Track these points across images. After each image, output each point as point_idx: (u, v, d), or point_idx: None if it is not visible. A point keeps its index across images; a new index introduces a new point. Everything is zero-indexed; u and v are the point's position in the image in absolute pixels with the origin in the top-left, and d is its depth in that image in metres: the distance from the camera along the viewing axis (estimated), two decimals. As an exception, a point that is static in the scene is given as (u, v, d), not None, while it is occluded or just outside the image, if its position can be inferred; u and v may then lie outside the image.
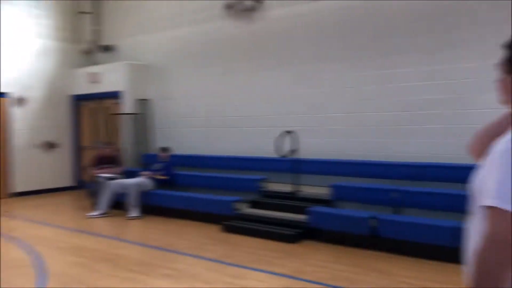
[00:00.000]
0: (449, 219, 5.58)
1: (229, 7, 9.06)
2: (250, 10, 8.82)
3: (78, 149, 11.73)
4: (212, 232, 7.09)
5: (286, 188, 7.65)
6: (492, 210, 1.42)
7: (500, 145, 1.49)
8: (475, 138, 1.82)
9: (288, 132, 7.40)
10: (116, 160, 9.32)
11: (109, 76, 10.74)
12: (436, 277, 4.86)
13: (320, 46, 8.03)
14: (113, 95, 10.72)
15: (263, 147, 8.71)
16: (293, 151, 7.41)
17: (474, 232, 1.63)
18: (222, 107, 9.40)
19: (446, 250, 5.29)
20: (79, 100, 11.59)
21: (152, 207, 8.46)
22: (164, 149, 9.06)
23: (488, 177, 1.47)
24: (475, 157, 1.84)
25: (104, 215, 8.38)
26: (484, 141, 1.76)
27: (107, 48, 11.34)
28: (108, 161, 9.16)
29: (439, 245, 5.39)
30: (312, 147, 8.07)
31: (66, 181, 11.53)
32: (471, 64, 6.45)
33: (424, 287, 4.61)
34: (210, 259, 5.65)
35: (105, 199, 8.44)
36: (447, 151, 6.72)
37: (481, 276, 1.42)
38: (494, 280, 1.40)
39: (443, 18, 6.77)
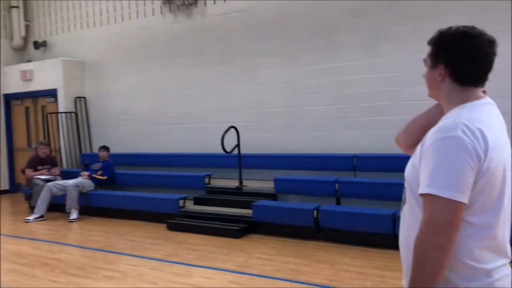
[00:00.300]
0: (390, 208, 5.76)
1: (168, 1, 8.89)
2: (190, 5, 8.70)
3: (11, 151, 11.15)
4: (156, 231, 6.95)
5: (230, 183, 7.63)
6: (427, 197, 1.47)
7: (432, 135, 1.53)
8: (402, 130, 1.87)
9: (231, 127, 7.38)
10: (53, 161, 8.94)
11: (43, 74, 10.27)
12: (377, 264, 5.00)
13: (261, 41, 8.04)
14: (48, 93, 10.27)
15: (206, 143, 8.64)
16: (236, 147, 7.40)
17: (407, 219, 1.67)
18: (163, 104, 9.22)
19: (387, 237, 5.46)
20: (11, 99, 11.01)
21: (93, 208, 8.19)
22: (103, 148, 8.78)
23: (423, 167, 1.51)
24: (403, 147, 1.91)
25: (41, 218, 8.01)
26: (412, 132, 1.82)
27: (40, 44, 10.82)
28: (44, 162, 8.78)
29: (379, 232, 5.56)
30: (255, 142, 8.09)
31: (1, 185, 10.93)
32: (407, 57, 6.67)
33: (366, 273, 4.73)
34: (154, 259, 5.54)
35: (42, 202, 8.06)
36: (386, 142, 6.93)
37: (421, 261, 1.45)
38: (434, 265, 1.43)
39: (380, 14, 6.96)
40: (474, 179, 1.47)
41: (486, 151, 1.47)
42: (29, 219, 7.96)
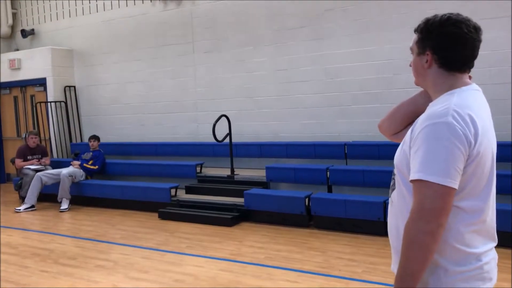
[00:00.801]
0: (381, 195, 5.79)
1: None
2: (179, -8, 8.60)
3: (1, 141, 11.05)
4: (148, 220, 6.94)
5: (222, 172, 7.63)
6: (417, 183, 1.48)
7: (422, 121, 1.54)
8: (386, 117, 1.90)
9: (222, 116, 7.35)
10: (43, 151, 8.87)
11: (32, 63, 10.14)
12: (368, 251, 5.04)
13: (252, 29, 7.99)
14: (37, 82, 10.16)
15: (198, 132, 8.62)
16: (228, 135, 7.38)
17: (396, 205, 1.68)
18: (153, 93, 9.16)
19: (378, 224, 5.50)
20: (0, 88, 10.87)
21: (84, 198, 8.16)
22: (94, 138, 8.72)
23: (413, 153, 1.52)
24: (386, 134, 1.93)
25: (32, 208, 7.97)
26: (396, 119, 1.85)
27: (27, 33, 10.66)
28: (34, 152, 8.71)
29: (370, 220, 5.59)
30: (247, 131, 8.08)
31: (-11, 175, 10.85)
32: (399, 45, 6.66)
33: (357, 260, 4.77)
34: (146, 248, 5.53)
35: (32, 192, 8.01)
36: (377, 130, 6.93)
37: (410, 246, 1.47)
38: (423, 250, 1.45)
39: (371, 1, 6.93)
40: (464, 164, 1.48)
41: (476, 136, 1.49)
42: (19, 209, 7.91)
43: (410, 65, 1.72)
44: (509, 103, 5.83)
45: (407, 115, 1.81)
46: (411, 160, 1.53)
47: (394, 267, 1.71)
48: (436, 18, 1.62)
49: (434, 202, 1.44)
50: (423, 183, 1.46)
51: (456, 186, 1.46)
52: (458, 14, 1.61)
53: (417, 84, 1.74)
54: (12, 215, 7.69)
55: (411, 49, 1.71)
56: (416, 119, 1.81)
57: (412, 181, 1.50)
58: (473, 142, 1.48)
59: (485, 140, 1.52)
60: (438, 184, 1.44)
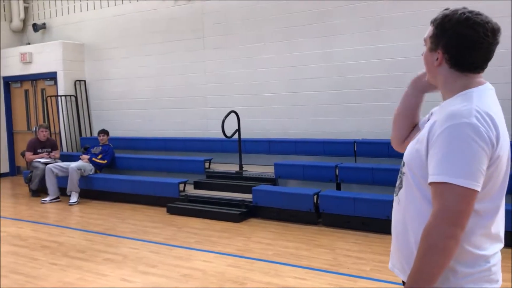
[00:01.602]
0: (390, 193, 5.75)
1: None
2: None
3: (11, 134, 11.13)
4: (156, 215, 6.97)
5: (231, 168, 7.63)
6: (440, 185, 1.42)
7: (443, 121, 1.47)
8: (392, 130, 1.89)
9: (232, 112, 7.35)
10: (52, 144, 8.93)
11: (43, 56, 10.20)
12: (376, 249, 5.02)
13: (261, 25, 7.97)
14: (48, 76, 10.22)
15: (207, 127, 8.63)
16: (236, 131, 7.38)
17: (403, 205, 1.64)
18: (163, 88, 9.18)
19: (387, 223, 5.47)
20: (11, 81, 10.95)
21: (93, 191, 8.20)
22: (103, 132, 8.75)
23: (433, 153, 1.47)
24: (398, 148, 1.88)
25: (57, 199, 8.12)
26: (400, 127, 1.85)
27: (39, 27, 10.72)
28: (44, 145, 8.77)
29: (379, 218, 5.57)
30: (256, 127, 8.08)
31: (1, 168, 10.93)
32: (410, 42, 6.62)
33: (365, 258, 4.76)
34: (154, 242, 5.55)
35: (52, 184, 8.10)
36: (387, 127, 6.90)
37: (432, 250, 1.41)
38: (445, 254, 1.41)
39: (381, -3, 6.90)
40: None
41: (497, 138, 1.44)
42: (45, 200, 8.05)
43: (422, 56, 1.66)
44: (509, 103, 5.74)
45: (407, 118, 1.81)
46: (430, 161, 1.47)
47: (393, 266, 1.70)
48: (455, 15, 1.53)
49: (458, 205, 1.40)
50: (447, 186, 1.40)
51: (479, 189, 1.42)
52: (478, 14, 1.52)
53: (428, 80, 1.69)
54: (22, 207, 7.76)
55: (425, 40, 1.64)
56: (415, 115, 1.81)
57: (433, 183, 1.44)
58: (495, 144, 1.44)
59: (504, 143, 1.48)
60: (463, 187, 1.39)
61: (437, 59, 1.58)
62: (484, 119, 1.43)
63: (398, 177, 1.70)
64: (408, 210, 1.59)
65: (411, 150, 1.61)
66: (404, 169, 1.63)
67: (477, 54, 1.52)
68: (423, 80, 1.77)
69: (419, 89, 1.81)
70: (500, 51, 1.63)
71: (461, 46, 1.51)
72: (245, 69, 8.21)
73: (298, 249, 5.14)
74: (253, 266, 4.63)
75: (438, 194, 1.44)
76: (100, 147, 8.65)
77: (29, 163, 8.68)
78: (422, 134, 1.57)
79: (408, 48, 6.64)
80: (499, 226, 1.57)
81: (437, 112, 1.60)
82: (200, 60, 8.68)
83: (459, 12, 1.53)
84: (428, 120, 1.67)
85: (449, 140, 1.43)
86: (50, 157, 8.63)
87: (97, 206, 7.76)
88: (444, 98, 1.61)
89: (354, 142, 6.94)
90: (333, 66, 7.37)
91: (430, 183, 1.46)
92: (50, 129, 9.32)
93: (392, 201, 1.75)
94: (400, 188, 1.65)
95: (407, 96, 1.82)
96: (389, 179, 5.99)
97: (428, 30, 1.63)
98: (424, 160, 1.51)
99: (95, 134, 9.68)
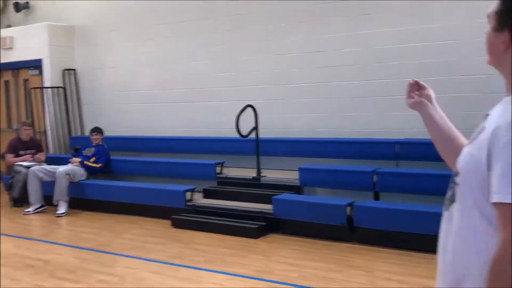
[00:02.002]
0: (439, 204, 5.71)
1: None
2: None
3: (-10, 133, 11.34)
4: (159, 228, 7.03)
5: (246, 173, 7.65)
6: (508, 207, 1.37)
7: (507, 127, 1.41)
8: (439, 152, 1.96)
9: (248, 106, 7.37)
10: (37, 145, 9.07)
11: (26, 41, 10.34)
12: (421, 271, 4.98)
13: (283, 2, 7.97)
14: (32, 65, 10.37)
15: (218, 125, 8.65)
16: (254, 130, 7.39)
17: (455, 223, 1.61)
18: (167, 78, 9.25)
19: (435, 240, 5.41)
20: (-11, 71, 11.16)
21: (85, 201, 8.30)
22: (96, 131, 8.85)
23: (498, 166, 1.41)
24: (453, 167, 1.83)
25: (42, 208, 8.26)
26: (443, 150, 1.94)
27: (21, 6, 10.90)
28: (27, 146, 8.91)
29: (426, 234, 5.52)
30: (276, 124, 8.07)
31: (-24, 173, 11.14)
32: (465, 21, 6.55)
33: (408, 281, 4.72)
34: (156, 261, 5.60)
35: (34, 190, 8.25)
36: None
37: (503, 280, 1.37)
38: None
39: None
40: None
41: None
42: (28, 211, 8.18)
43: (485, 34, 1.61)
44: None
45: (446, 139, 1.90)
46: (494, 175, 1.41)
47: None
48: None
49: None
50: None
51: None
52: None
53: (490, 63, 1.64)
54: (1, 219, 7.86)
55: (488, 16, 1.59)
56: (451, 134, 1.91)
57: (499, 204, 1.39)
58: None
59: None
60: None
61: (503, 41, 1.52)
62: None
63: (450, 187, 1.66)
64: (461, 228, 1.57)
65: (466, 155, 1.57)
66: (458, 179, 1.59)
67: None
68: (410, 103, 2.00)
69: (416, 109, 1.90)
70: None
71: None
72: (263, 55, 8.22)
73: (327, 270, 5.13)
74: (274, 291, 4.64)
75: (507, 217, 1.38)
76: (93, 148, 8.74)
77: (10, 167, 8.81)
78: (482, 139, 1.51)
79: (463, 28, 6.57)
80: None
81: (500, 110, 1.52)
82: (211, 45, 8.72)
83: None
84: (487, 116, 1.62)
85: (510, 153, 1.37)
86: (34, 160, 8.75)
87: (89, 217, 7.85)
88: (509, 92, 1.55)
89: (396, 142, 6.90)
90: (370, 51, 7.33)
91: (495, 203, 1.41)
92: (34, 127, 9.46)
93: (441, 214, 1.72)
94: (452, 201, 1.62)
95: (431, 120, 1.93)
96: (438, 187, 5.93)
97: (494, 4, 1.58)
98: (485, 171, 1.46)
99: (87, 133, 9.80)
